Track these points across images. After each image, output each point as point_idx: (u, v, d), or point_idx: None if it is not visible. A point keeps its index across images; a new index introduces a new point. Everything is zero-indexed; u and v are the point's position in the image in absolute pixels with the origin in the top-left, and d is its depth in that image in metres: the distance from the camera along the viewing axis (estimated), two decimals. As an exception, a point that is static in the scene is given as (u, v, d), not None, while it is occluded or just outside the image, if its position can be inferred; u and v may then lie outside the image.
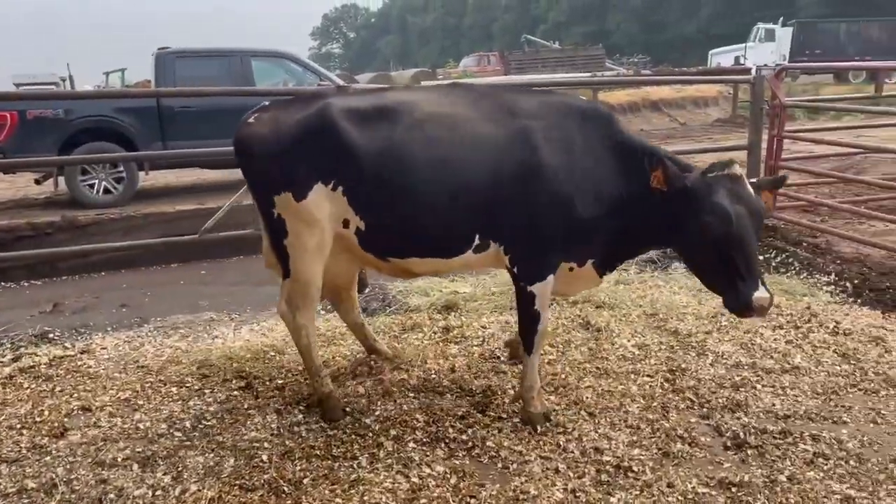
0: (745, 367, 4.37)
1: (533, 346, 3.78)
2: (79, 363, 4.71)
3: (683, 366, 4.40)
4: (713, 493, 3.15)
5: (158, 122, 10.01)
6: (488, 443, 3.59)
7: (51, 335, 5.31)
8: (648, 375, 4.30)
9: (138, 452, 3.53)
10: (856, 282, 5.85)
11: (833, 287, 5.83)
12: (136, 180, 10.16)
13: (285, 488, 3.21)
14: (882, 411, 3.83)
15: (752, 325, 4.97)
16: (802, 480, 3.21)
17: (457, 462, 3.43)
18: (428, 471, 3.35)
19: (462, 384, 4.22)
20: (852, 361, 4.43)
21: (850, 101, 10.25)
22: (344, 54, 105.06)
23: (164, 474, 3.33)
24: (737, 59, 34.41)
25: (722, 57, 36.56)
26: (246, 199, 6.96)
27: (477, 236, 3.59)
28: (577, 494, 3.14)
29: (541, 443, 3.57)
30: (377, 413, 3.93)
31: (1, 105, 9.25)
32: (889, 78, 24.48)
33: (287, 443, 3.61)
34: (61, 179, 10.00)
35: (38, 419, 3.90)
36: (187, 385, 4.33)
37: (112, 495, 3.16)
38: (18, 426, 3.82)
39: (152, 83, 10.87)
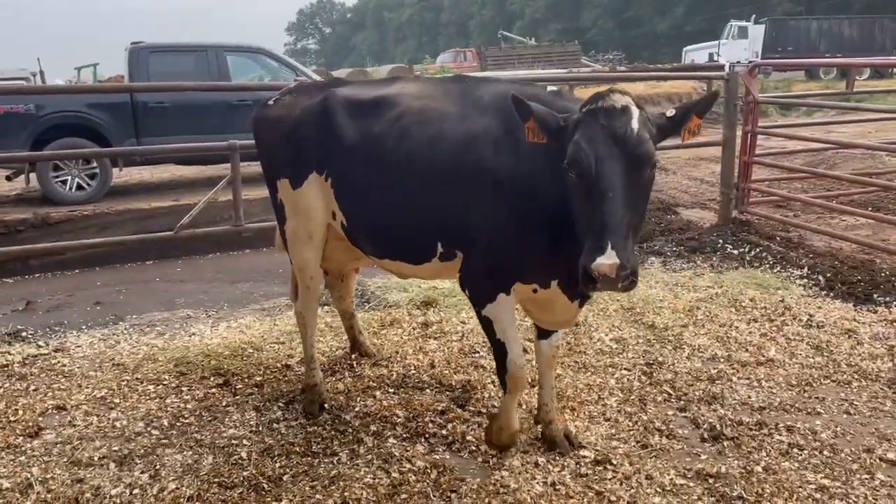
0: (721, 360, 4.43)
1: (505, 385, 3.29)
2: (53, 362, 4.65)
3: (660, 359, 4.45)
4: (691, 484, 3.19)
5: (132, 117, 9.88)
6: (468, 437, 3.60)
7: (24, 333, 5.23)
8: (626, 369, 4.34)
9: (115, 451, 3.50)
10: (828, 275, 5.95)
11: (806, 280, 5.92)
12: (110, 177, 10.01)
13: (265, 485, 3.19)
14: (854, 402, 3.90)
15: (728, 319, 5.03)
16: (778, 471, 3.27)
17: (437, 457, 3.43)
18: (409, 466, 3.35)
19: (441, 379, 4.23)
20: (825, 354, 4.50)
21: (821, 97, 10.41)
22: (320, 50, 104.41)
23: (142, 473, 3.30)
24: (711, 55, 34.72)
25: (696, 54, 36.87)
26: (222, 196, 6.93)
27: (439, 243, 3.24)
28: (557, 487, 3.16)
29: (520, 437, 3.59)
30: (357, 409, 3.92)
31: (-30, 100, 9.07)
32: (860, 74, 24.87)
33: (266, 440, 3.60)
34: (33, 176, 9.82)
35: (11, 418, 3.84)
36: (164, 383, 4.29)
37: (88, 494, 3.12)
38: (-9, 426, 3.76)
39: (126, 78, 10.71)
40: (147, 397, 4.11)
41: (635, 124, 2.56)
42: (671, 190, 10.16)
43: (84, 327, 5.40)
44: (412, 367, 4.42)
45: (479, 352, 4.62)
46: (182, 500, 3.07)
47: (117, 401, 4.06)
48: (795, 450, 3.44)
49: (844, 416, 3.78)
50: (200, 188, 9.16)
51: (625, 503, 3.04)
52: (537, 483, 3.20)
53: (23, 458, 3.46)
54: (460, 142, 3.11)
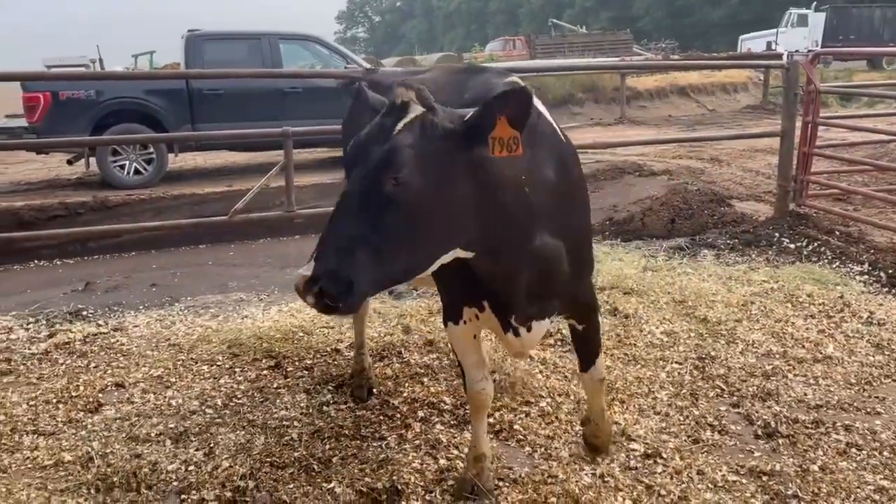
0: (776, 357, 4.33)
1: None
2: (112, 340, 4.79)
3: (713, 354, 4.36)
4: (744, 481, 3.13)
5: (188, 104, 10.10)
6: (515, 426, 3.59)
7: (84, 312, 5.40)
8: (677, 363, 4.27)
9: (171, 428, 3.59)
10: (890, 271, 5.74)
11: (866, 277, 5.73)
12: (166, 162, 10.28)
13: (315, 466, 3.24)
14: (917, 403, 3.77)
15: (784, 315, 4.91)
16: (835, 470, 3.18)
17: (485, 445, 3.43)
18: (456, 452, 3.36)
19: (490, 367, 4.22)
20: (886, 352, 4.36)
21: (885, 87, 10.04)
22: (369, 38, 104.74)
23: (197, 450, 3.38)
24: (768, 44, 33.78)
25: (753, 42, 35.88)
26: (274, 182, 7.04)
27: None
28: (606, 479, 3.13)
29: (569, 428, 3.57)
30: (405, 394, 3.95)
31: (35, 86, 9.39)
32: (926, 65, 23.91)
33: (316, 422, 3.65)
34: (92, 160, 10.14)
35: (73, 394, 3.98)
36: (218, 363, 4.39)
37: (146, 469, 3.21)
38: (54, 400, 3.90)
39: (181, 66, 10.94)
40: (201, 377, 4.21)
41: (399, 125, 2.13)
42: (725, 182, 9.93)
43: (141, 308, 5.55)
44: (460, 355, 4.43)
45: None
46: (235, 477, 3.14)
47: (173, 380, 4.17)
48: (854, 449, 3.34)
49: (906, 416, 3.66)
50: (252, 174, 9.30)
51: (675, 498, 2.99)
52: (585, 474, 3.17)
53: (84, 432, 3.58)
54: None
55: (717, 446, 3.41)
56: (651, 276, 5.75)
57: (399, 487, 3.08)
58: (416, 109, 2.16)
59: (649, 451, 3.33)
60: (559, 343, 4.54)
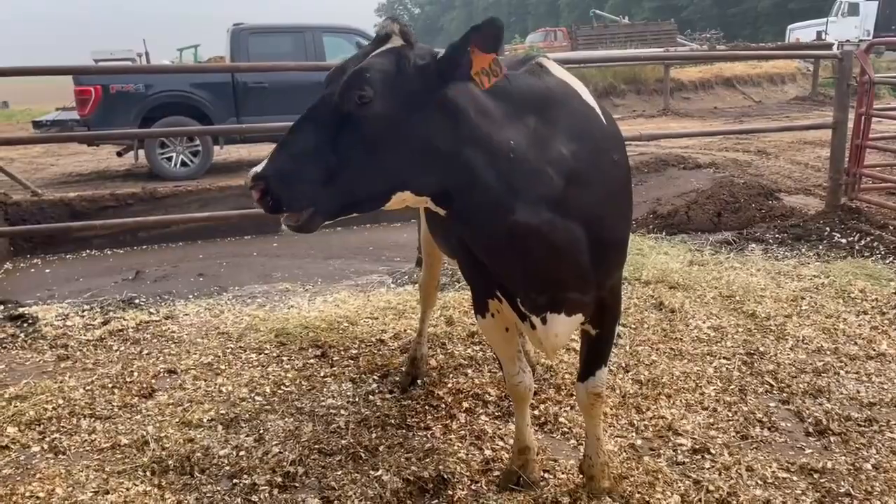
0: (828, 353, 4.24)
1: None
2: (163, 328, 4.91)
3: (762, 349, 4.29)
4: (794, 478, 3.08)
5: (233, 97, 10.26)
6: (560, 419, 3.59)
7: (136, 301, 5.54)
8: (725, 358, 4.21)
9: (222, 414, 3.67)
10: (947, 268, 5.58)
11: (922, 273, 5.57)
12: (211, 154, 10.47)
13: (362, 454, 3.29)
14: (976, 402, 3.66)
15: (835, 311, 4.80)
16: (889, 469, 3.11)
17: (530, 436, 3.44)
18: (501, 444, 3.37)
19: (535, 359, 4.22)
20: (943, 350, 4.24)
21: (943, 78, 9.71)
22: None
23: (247, 436, 3.45)
24: (818, 34, 32.87)
25: (801, 32, 34.93)
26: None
27: None
28: (653, 473, 3.11)
29: (615, 421, 3.55)
30: (449, 385, 3.98)
31: (87, 79, 9.63)
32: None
33: (363, 410, 3.70)
34: (141, 152, 10.38)
35: (128, 379, 4.09)
36: (266, 352, 4.47)
37: (199, 454, 3.29)
38: (110, 385, 4.02)
39: (227, 59, 11.12)
40: (250, 365, 4.29)
41: (376, 50, 2.20)
42: (773, 175, 9.74)
43: (190, 296, 5.68)
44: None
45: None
46: (285, 463, 3.20)
47: (223, 367, 4.26)
48: (909, 449, 3.27)
49: (964, 416, 3.56)
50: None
51: (724, 494, 2.96)
52: (631, 468, 3.16)
53: (139, 416, 3.68)
54: None
55: (767, 443, 3.36)
56: (697, 271, 5.68)
57: (445, 477, 3.10)
58: (397, 42, 2.20)
59: (697, 447, 3.30)
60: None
